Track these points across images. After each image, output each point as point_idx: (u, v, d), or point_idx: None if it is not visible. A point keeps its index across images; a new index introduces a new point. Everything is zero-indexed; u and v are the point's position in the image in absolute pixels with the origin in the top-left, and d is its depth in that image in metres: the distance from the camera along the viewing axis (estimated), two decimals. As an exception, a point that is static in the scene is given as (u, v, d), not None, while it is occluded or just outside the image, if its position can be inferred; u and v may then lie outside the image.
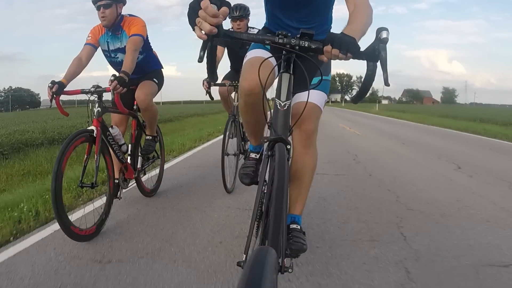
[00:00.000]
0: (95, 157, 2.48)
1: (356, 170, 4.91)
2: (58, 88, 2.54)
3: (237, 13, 3.90)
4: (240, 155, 4.00)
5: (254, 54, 1.86)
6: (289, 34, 1.27)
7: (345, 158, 5.87)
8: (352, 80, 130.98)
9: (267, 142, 1.37)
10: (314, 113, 1.87)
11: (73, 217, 2.72)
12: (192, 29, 1.13)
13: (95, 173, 2.48)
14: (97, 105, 2.60)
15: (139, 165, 3.19)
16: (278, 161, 1.23)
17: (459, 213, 3.09)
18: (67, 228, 2.23)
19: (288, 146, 1.36)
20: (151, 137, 3.26)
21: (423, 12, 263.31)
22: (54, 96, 2.53)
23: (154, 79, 3.15)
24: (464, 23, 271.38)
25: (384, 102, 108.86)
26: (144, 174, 3.52)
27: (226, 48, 4.25)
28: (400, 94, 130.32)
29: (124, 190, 3.13)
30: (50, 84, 2.54)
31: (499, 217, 3.00)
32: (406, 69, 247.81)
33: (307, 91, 1.46)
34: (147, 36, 2.99)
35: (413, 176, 4.57)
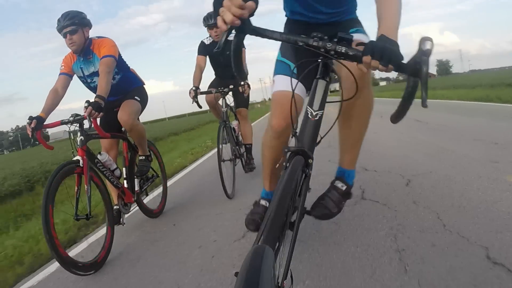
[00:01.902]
0: (85, 187, 2.40)
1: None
2: (36, 123, 2.47)
3: (212, 20, 3.97)
4: (236, 159, 4.02)
5: (280, 86, 1.80)
6: (326, 37, 1.17)
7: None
8: None
9: (288, 153, 1.26)
10: None
11: (76, 251, 2.65)
12: (215, 18, 1.06)
13: (88, 203, 2.39)
14: (79, 134, 2.52)
15: (137, 188, 3.09)
16: (289, 173, 1.12)
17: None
18: (66, 262, 2.14)
19: (310, 160, 1.25)
20: (144, 157, 3.16)
21: None
22: (34, 131, 2.47)
23: (136, 97, 3.06)
24: None
25: (382, 83, 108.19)
26: (146, 195, 3.43)
27: (207, 57, 4.27)
28: (396, 73, 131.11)
29: (126, 215, 3.03)
30: (28, 121, 2.47)
31: None
32: (400, 47, 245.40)
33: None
34: (119, 55, 2.91)
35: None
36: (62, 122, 2.55)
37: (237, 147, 4.12)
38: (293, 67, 1.73)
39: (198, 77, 4.05)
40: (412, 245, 1.86)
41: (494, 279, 1.46)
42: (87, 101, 2.42)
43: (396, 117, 1.15)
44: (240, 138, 4.39)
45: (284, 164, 1.23)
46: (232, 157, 3.87)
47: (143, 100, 3.16)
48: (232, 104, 4.29)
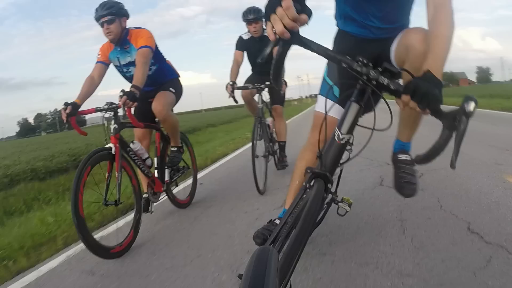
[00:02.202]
0: (116, 174, 2.45)
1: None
2: (71, 109, 2.55)
3: (252, 16, 4.01)
4: (270, 156, 4.00)
5: (320, 107, 1.95)
6: (370, 64, 1.14)
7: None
8: None
9: (309, 173, 1.24)
10: None
11: (102, 234, 2.76)
12: (264, 23, 1.04)
13: (118, 190, 2.45)
14: (113, 122, 2.58)
15: (167, 178, 3.13)
16: (312, 199, 1.10)
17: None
18: (93, 246, 2.20)
19: (330, 185, 1.24)
20: (176, 148, 3.19)
21: None
22: (69, 117, 2.55)
23: (171, 89, 3.09)
24: None
25: None
26: (176, 185, 3.48)
27: (245, 52, 4.29)
28: None
29: (155, 204, 3.08)
30: (63, 106, 2.55)
31: None
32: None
33: None
34: (156, 46, 2.94)
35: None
36: (97, 110, 2.62)
37: (271, 144, 4.11)
38: (334, 89, 1.85)
39: (235, 72, 4.07)
40: (412, 217, 2.41)
41: (468, 242, 1.95)
42: (122, 90, 2.46)
43: (422, 160, 1.18)
44: (274, 135, 4.37)
45: (304, 184, 1.22)
46: (266, 154, 3.86)
47: (178, 92, 3.18)
48: (268, 101, 4.28)
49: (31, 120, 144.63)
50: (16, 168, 9.74)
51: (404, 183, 1.74)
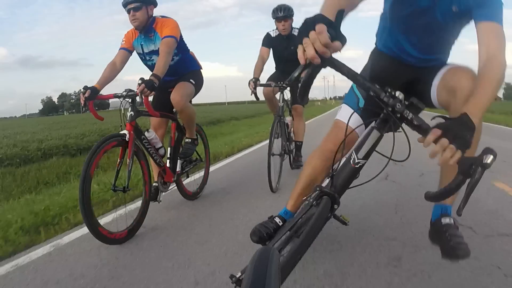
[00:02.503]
0: (128, 161, 2.48)
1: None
2: (90, 93, 2.58)
3: (281, 13, 4.00)
4: (285, 155, 4.01)
5: (343, 116, 1.94)
6: (398, 96, 1.13)
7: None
8: None
9: (318, 191, 1.27)
10: None
11: (105, 220, 2.83)
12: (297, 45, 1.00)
13: (127, 177, 2.47)
14: (130, 109, 2.60)
15: (178, 168, 3.15)
16: (318, 214, 1.15)
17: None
18: (95, 230, 2.23)
19: (336, 206, 1.27)
20: (190, 140, 3.20)
21: None
22: (87, 101, 2.58)
23: (191, 80, 3.09)
24: None
25: None
26: (187, 177, 3.50)
27: (271, 49, 4.26)
28: None
29: (163, 193, 3.11)
30: (82, 90, 2.59)
31: None
32: (470, 64, 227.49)
33: None
34: (181, 36, 2.95)
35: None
36: (115, 96, 2.65)
37: (288, 143, 4.13)
38: (360, 101, 1.87)
39: (259, 69, 4.05)
40: (407, 204, 3.04)
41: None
42: (141, 78, 2.47)
43: (431, 198, 1.18)
44: (292, 134, 4.34)
45: (310, 199, 1.24)
46: (282, 152, 3.86)
47: (198, 83, 3.18)
48: (289, 100, 4.25)
49: (55, 99, 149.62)
50: (49, 143, 10.36)
51: (456, 244, 1.55)
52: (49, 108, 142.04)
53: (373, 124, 1.31)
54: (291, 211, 2.02)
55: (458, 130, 1.02)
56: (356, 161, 1.29)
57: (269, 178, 3.43)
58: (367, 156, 1.30)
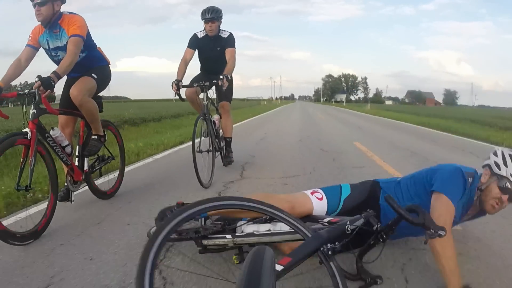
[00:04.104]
0: (29, 159, 2.43)
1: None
2: None
3: (209, 15, 4.13)
4: (216, 152, 4.25)
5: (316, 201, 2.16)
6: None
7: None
8: (357, 81, 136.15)
9: None
10: None
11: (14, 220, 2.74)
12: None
13: (30, 175, 2.42)
14: (32, 107, 2.54)
15: (86, 167, 3.11)
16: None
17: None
18: (2, 235, 2.19)
19: None
20: (96, 137, 3.18)
21: (431, 13, 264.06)
22: None
23: (93, 75, 3.06)
24: (472, 24, 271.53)
25: (388, 102, 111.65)
26: (101, 175, 3.47)
27: (197, 50, 4.37)
28: (404, 95, 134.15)
29: (75, 193, 3.07)
30: None
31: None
32: (414, 70, 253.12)
33: None
34: (88, 34, 2.94)
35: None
36: (18, 94, 2.58)
37: (217, 140, 4.30)
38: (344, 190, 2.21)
39: (182, 71, 4.16)
40: None
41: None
42: (38, 76, 2.44)
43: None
44: (221, 131, 4.51)
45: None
46: (210, 149, 4.04)
47: (102, 78, 3.16)
48: (215, 98, 4.42)
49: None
50: None
51: None
52: None
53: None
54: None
55: None
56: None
57: (197, 174, 3.57)
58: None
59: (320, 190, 2.16)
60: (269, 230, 1.78)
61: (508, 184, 1.83)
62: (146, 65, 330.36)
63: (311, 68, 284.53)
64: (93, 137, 3.17)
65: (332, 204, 2.10)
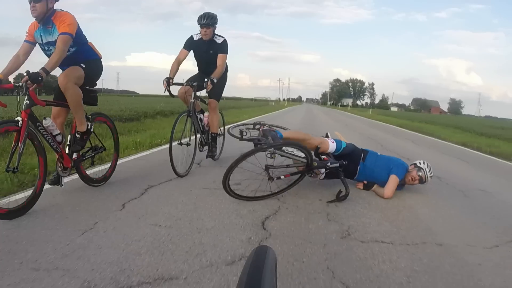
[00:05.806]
0: (19, 145, 2.69)
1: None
2: None
3: (205, 21, 4.39)
4: (203, 147, 4.73)
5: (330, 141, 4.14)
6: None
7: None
8: (364, 86, 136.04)
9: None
10: None
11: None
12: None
13: (17, 159, 2.69)
14: (25, 98, 2.80)
15: (75, 155, 3.34)
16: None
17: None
18: None
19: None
20: (79, 135, 3.36)
21: (443, 21, 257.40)
22: None
23: (82, 65, 3.26)
24: (484, 34, 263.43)
25: (394, 109, 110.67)
26: (93, 164, 3.71)
27: (192, 51, 4.65)
28: (410, 102, 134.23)
29: (66, 179, 3.34)
30: None
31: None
32: (423, 77, 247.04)
33: None
34: (79, 30, 3.16)
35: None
36: (15, 86, 2.83)
37: (204, 135, 4.67)
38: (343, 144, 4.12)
39: (174, 69, 4.48)
40: None
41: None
42: (27, 71, 2.69)
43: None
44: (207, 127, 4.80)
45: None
46: (190, 143, 4.34)
47: (91, 69, 3.35)
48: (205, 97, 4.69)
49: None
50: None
51: None
52: None
53: None
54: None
55: None
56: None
57: (172, 164, 3.92)
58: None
59: (333, 140, 4.00)
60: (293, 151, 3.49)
61: (420, 173, 3.97)
62: (155, 60, 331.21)
63: (321, 71, 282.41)
64: (77, 134, 3.36)
65: (337, 148, 3.93)
